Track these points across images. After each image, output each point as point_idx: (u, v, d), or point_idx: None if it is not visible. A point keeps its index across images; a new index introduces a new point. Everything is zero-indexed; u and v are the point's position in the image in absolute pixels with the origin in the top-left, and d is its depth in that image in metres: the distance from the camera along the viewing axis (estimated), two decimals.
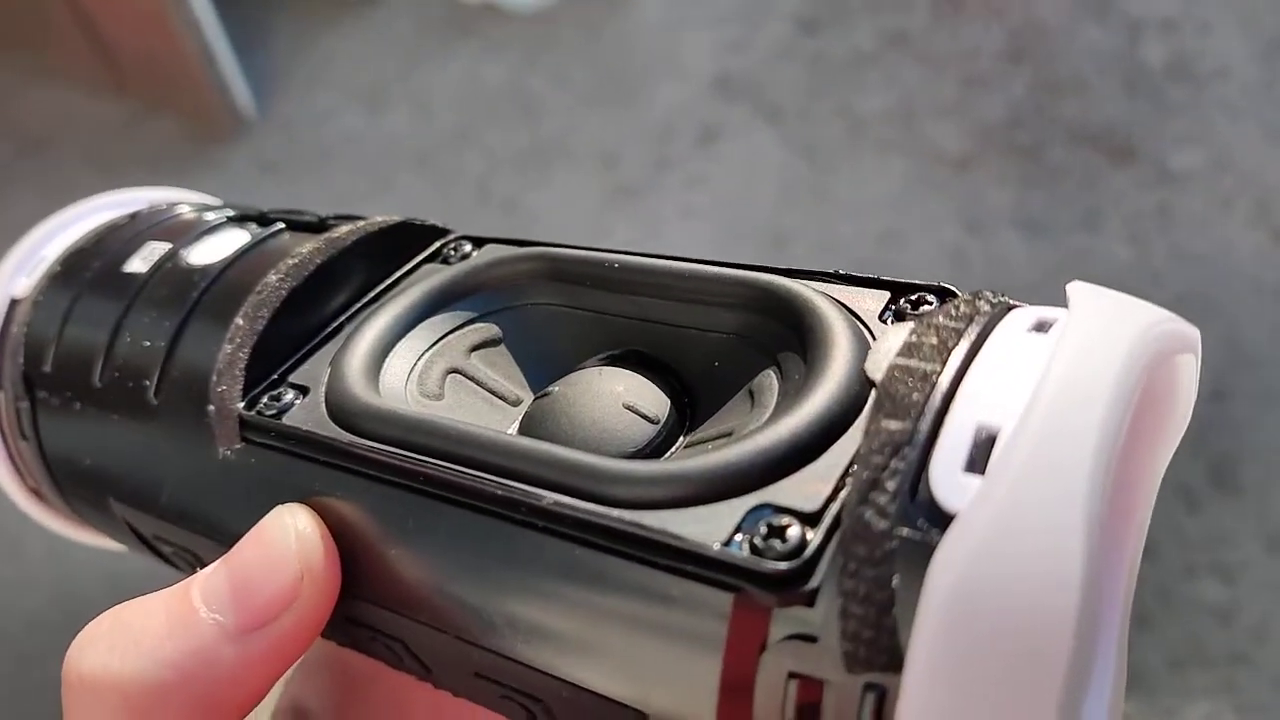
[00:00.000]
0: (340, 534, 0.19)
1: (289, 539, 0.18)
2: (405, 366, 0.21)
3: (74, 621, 0.19)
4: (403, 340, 0.22)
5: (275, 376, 0.21)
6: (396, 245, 0.24)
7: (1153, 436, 0.18)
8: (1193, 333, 0.16)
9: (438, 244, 0.24)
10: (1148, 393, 0.17)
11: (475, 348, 0.22)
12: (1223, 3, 1.28)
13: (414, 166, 1.36)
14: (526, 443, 0.18)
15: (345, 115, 1.44)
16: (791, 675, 0.14)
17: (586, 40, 1.46)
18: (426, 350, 0.22)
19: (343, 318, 0.23)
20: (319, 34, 1.55)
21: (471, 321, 0.22)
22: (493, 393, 0.22)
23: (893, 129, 1.25)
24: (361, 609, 0.19)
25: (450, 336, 0.22)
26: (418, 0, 1.58)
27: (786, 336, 0.19)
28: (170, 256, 0.24)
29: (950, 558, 0.13)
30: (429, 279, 0.23)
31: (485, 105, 1.41)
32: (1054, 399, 0.14)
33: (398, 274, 0.24)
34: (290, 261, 0.22)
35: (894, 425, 0.15)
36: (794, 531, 0.15)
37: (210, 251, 0.24)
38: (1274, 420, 0.96)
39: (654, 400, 0.20)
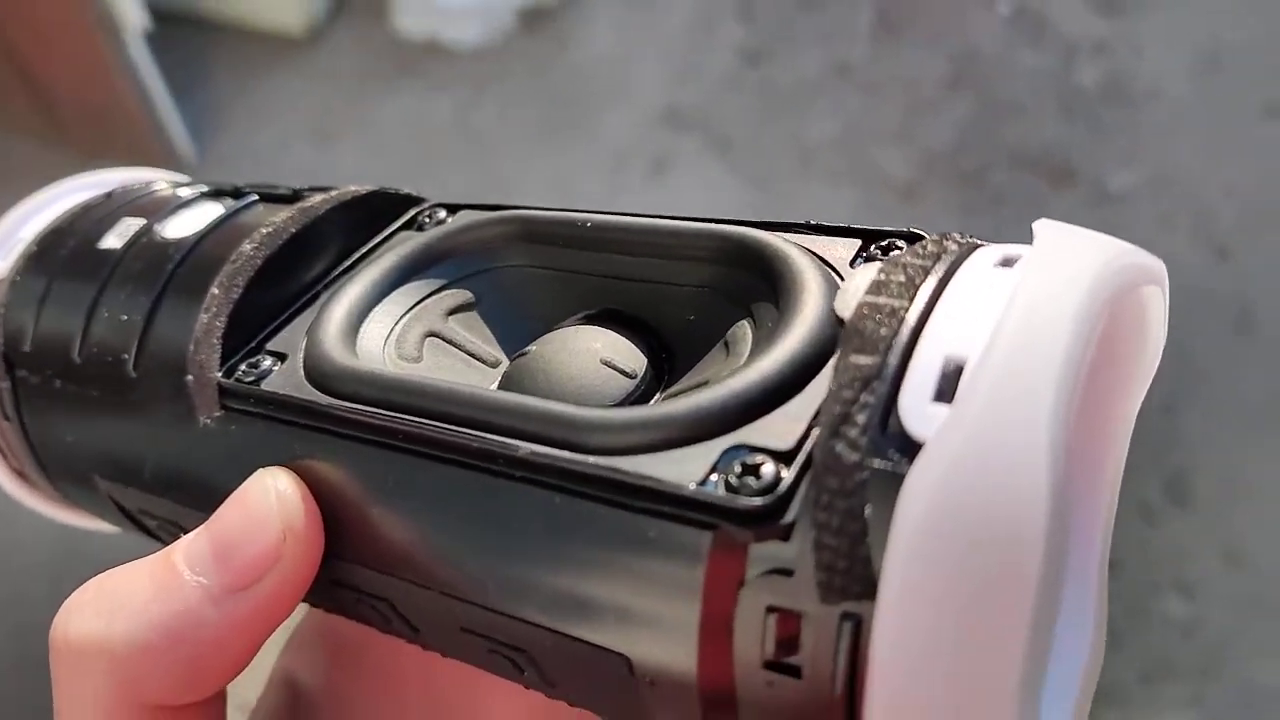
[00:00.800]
0: (322, 495, 0.19)
1: (270, 500, 0.18)
2: (383, 331, 0.21)
3: (56, 595, 0.19)
4: (379, 305, 0.22)
5: (253, 344, 0.21)
6: (371, 213, 0.24)
7: (1122, 373, 0.18)
8: (1158, 265, 0.16)
9: (412, 212, 0.25)
10: (1114, 327, 0.17)
11: (452, 311, 0.22)
12: (1153, 24, 1.31)
13: None
14: (502, 396, 0.18)
15: (289, 156, 1.43)
16: (770, 609, 0.14)
17: (534, 75, 1.46)
18: (404, 315, 0.22)
19: (319, 286, 0.23)
20: (259, 76, 1.54)
21: (447, 286, 0.23)
22: (471, 355, 0.22)
23: (840, 157, 1.27)
24: (346, 570, 0.19)
25: (427, 301, 0.22)
26: (359, 40, 1.57)
27: (759, 286, 0.19)
28: (145, 231, 0.24)
29: (919, 485, 0.13)
30: (404, 245, 0.23)
31: (434, 142, 1.41)
32: (1018, 327, 0.14)
33: (373, 242, 0.24)
34: (264, 231, 0.22)
35: (863, 360, 0.15)
36: (768, 469, 0.15)
37: (185, 225, 0.24)
38: (1224, 434, 0.98)
39: (630, 355, 0.20)
